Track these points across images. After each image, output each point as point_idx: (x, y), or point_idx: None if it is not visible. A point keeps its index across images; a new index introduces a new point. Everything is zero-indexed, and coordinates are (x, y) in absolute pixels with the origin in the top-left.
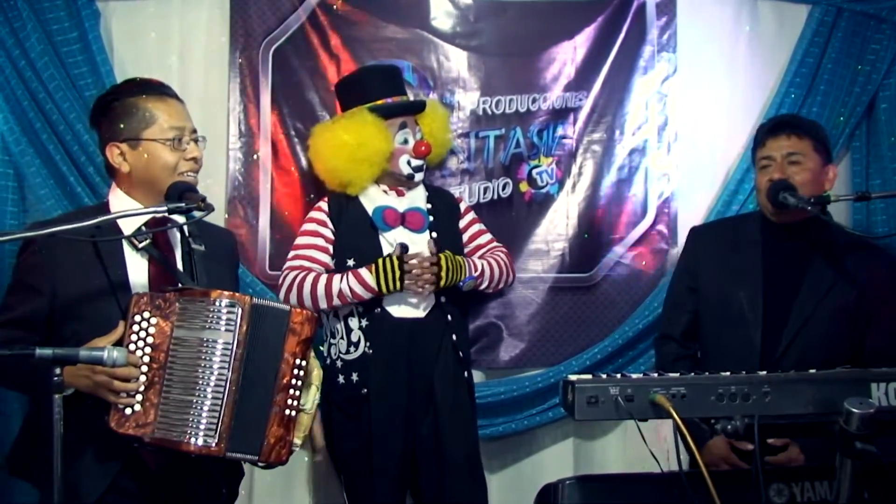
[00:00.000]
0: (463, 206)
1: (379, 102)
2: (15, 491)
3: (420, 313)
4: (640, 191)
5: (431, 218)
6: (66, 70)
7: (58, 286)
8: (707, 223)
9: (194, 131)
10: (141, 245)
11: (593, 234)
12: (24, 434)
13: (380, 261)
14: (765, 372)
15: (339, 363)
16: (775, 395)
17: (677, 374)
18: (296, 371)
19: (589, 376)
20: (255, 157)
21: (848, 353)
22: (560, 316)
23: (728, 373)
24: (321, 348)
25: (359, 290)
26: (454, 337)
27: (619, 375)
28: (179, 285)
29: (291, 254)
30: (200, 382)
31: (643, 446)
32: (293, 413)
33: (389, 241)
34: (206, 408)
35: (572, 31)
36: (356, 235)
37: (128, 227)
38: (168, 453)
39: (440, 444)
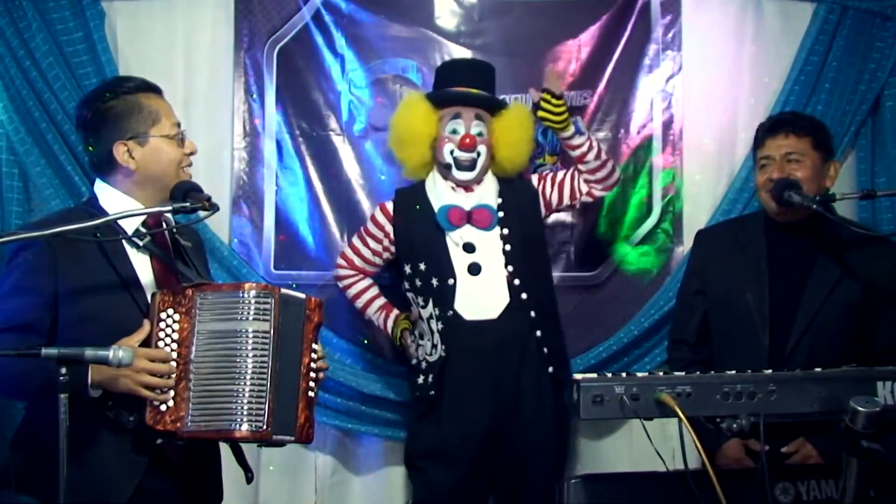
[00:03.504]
0: (535, 180)
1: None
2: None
3: (492, 314)
4: (645, 189)
5: (501, 214)
6: (70, 70)
7: (62, 288)
8: (712, 225)
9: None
10: (142, 243)
11: (598, 233)
12: (22, 445)
13: (397, 332)
14: (770, 370)
15: (423, 364)
16: (781, 394)
17: (683, 373)
18: (313, 355)
19: (594, 375)
20: (260, 157)
21: (857, 348)
22: (565, 315)
23: (733, 371)
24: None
25: (382, 329)
26: (538, 333)
27: (624, 374)
28: (182, 281)
29: (352, 241)
30: (239, 371)
31: (649, 445)
32: (313, 394)
33: (455, 240)
34: (247, 395)
35: (577, 29)
36: (425, 238)
37: (126, 225)
38: (190, 448)
39: (523, 457)
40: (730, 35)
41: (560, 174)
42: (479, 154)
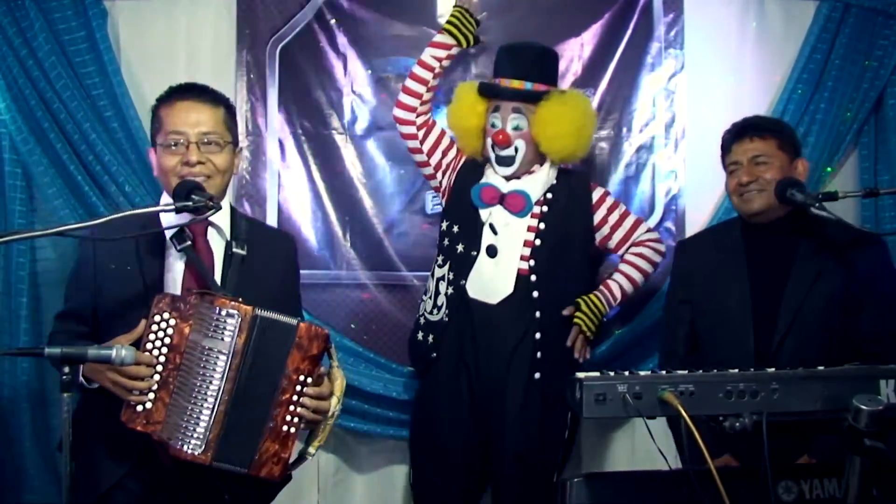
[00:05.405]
0: (596, 195)
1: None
2: (22, 490)
3: (492, 299)
4: (648, 188)
5: (545, 208)
6: (73, 69)
7: (101, 283)
8: (692, 235)
9: (206, 133)
10: (180, 247)
11: None
12: (76, 416)
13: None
14: (773, 369)
15: (421, 320)
16: (783, 392)
17: (685, 372)
18: (298, 388)
19: (597, 374)
20: (263, 156)
21: (843, 340)
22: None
23: (737, 370)
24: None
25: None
26: (537, 335)
27: (627, 373)
28: (212, 289)
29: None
30: (199, 389)
31: (651, 444)
32: (292, 430)
33: (483, 218)
34: (202, 415)
35: (579, 27)
36: (467, 206)
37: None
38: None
39: (502, 441)
40: (732, 33)
41: (626, 221)
42: (516, 150)
